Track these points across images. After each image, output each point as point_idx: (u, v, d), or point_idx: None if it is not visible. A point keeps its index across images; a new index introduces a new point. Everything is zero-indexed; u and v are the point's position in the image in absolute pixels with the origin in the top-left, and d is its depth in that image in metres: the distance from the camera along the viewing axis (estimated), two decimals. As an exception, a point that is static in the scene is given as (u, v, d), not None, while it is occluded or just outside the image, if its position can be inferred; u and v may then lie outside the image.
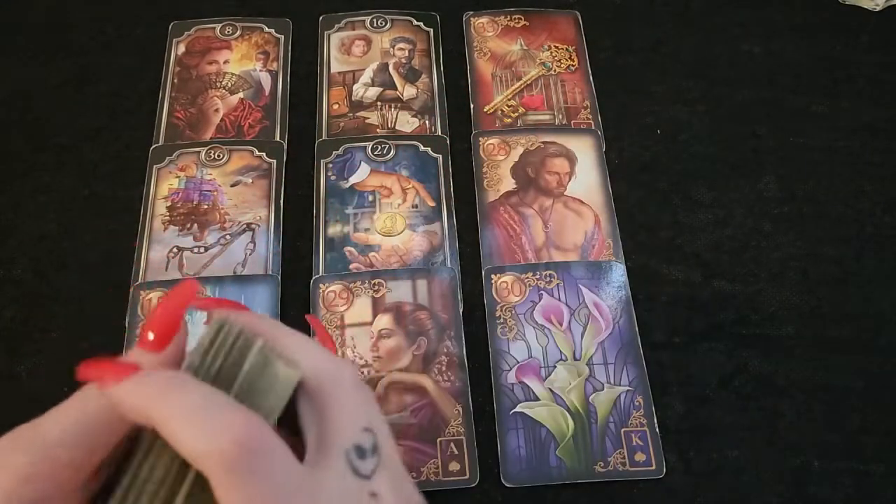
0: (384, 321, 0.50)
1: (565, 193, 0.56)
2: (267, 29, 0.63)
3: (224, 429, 0.21)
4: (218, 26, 0.63)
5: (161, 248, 0.53)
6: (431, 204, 0.55)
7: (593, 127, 0.59)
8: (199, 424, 0.21)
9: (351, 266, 0.53)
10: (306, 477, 0.22)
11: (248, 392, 0.24)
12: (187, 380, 0.23)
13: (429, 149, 0.58)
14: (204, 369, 0.24)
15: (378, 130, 0.58)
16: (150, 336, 0.25)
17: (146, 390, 0.22)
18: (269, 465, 0.21)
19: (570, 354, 0.50)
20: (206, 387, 0.22)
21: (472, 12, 0.65)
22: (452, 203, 0.55)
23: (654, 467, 0.46)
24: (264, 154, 0.57)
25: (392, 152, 0.57)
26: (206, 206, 0.55)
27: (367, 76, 0.61)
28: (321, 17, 0.64)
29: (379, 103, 0.60)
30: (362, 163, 0.57)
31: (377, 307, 0.51)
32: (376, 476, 0.24)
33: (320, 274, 0.52)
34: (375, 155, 0.57)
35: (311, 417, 0.24)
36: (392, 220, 0.55)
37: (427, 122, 0.59)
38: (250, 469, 0.21)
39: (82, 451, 0.23)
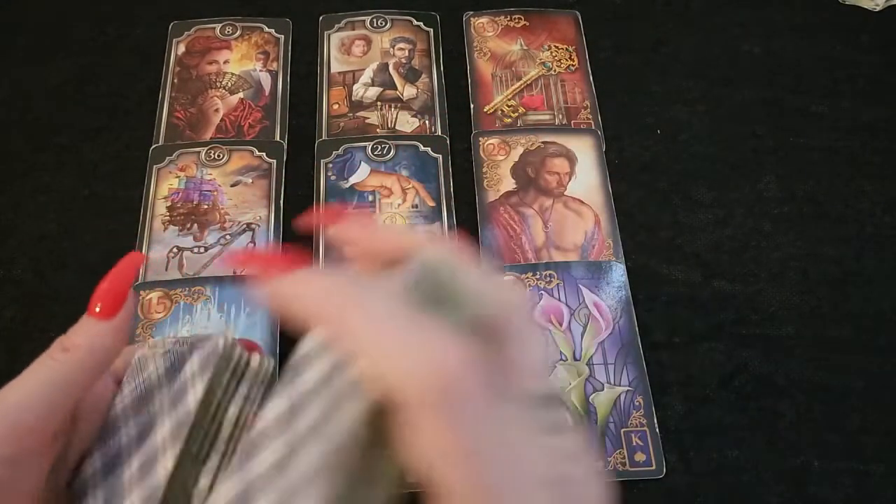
0: (384, 321, 0.50)
1: (565, 193, 0.56)
2: (267, 29, 0.63)
3: (434, 354, 0.18)
4: (218, 26, 0.63)
5: (161, 248, 0.53)
6: (431, 204, 0.55)
7: (593, 127, 0.59)
8: (406, 345, 0.18)
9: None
10: (499, 421, 0.19)
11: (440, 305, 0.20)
12: (380, 289, 0.19)
13: (429, 149, 0.58)
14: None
15: (378, 130, 0.58)
16: (97, 308, 0.26)
17: (328, 288, 0.19)
18: (471, 402, 0.18)
19: (570, 354, 0.50)
20: (398, 299, 0.19)
21: (472, 12, 0.65)
22: (452, 203, 0.55)
23: (654, 467, 0.46)
24: (264, 154, 0.57)
25: (392, 152, 0.57)
26: (206, 206, 0.55)
27: (367, 76, 0.61)
28: (321, 17, 0.64)
29: (379, 103, 0.60)
30: (362, 163, 0.57)
31: (377, 307, 0.51)
32: (558, 431, 0.20)
33: (320, 274, 0.52)
34: (375, 155, 0.57)
35: (493, 352, 0.20)
36: (392, 220, 0.54)
37: (427, 122, 0.59)
38: (455, 405, 0.17)
39: (42, 414, 0.24)
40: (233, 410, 0.24)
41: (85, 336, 0.25)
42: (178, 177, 0.56)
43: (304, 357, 0.20)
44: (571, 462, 0.20)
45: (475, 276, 0.21)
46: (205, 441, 0.24)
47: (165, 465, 0.23)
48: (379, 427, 0.19)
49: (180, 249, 0.53)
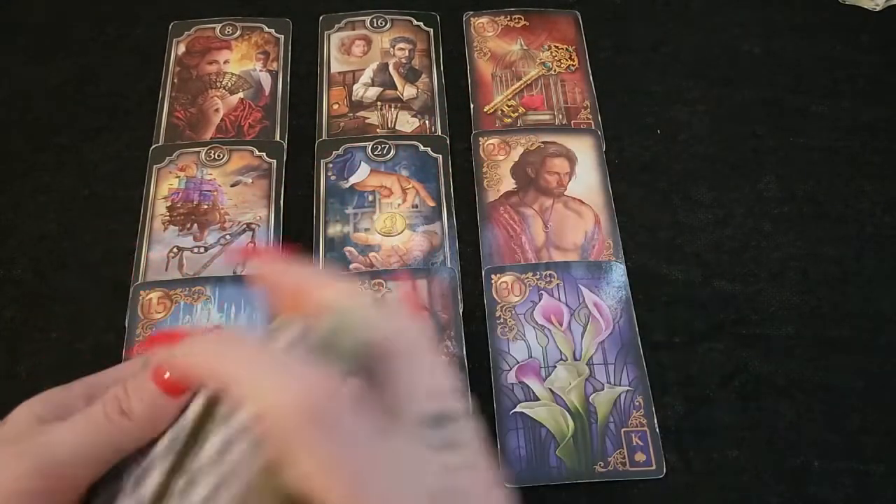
0: (384, 321, 0.50)
1: (565, 193, 0.56)
2: (267, 29, 0.63)
3: (298, 383, 0.20)
4: (218, 26, 0.63)
5: (161, 248, 0.53)
6: (431, 204, 0.55)
7: (593, 127, 0.59)
8: (273, 377, 0.20)
9: (351, 266, 0.53)
10: (377, 441, 0.21)
11: (321, 348, 0.22)
12: (257, 338, 0.22)
13: (429, 149, 0.58)
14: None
15: (378, 130, 0.58)
16: (166, 376, 0.23)
17: (211, 347, 0.22)
18: (341, 424, 0.20)
19: (570, 354, 0.50)
20: (274, 346, 0.22)
21: (472, 12, 0.65)
22: (452, 203, 0.55)
23: (654, 467, 0.46)
24: (264, 154, 0.57)
25: (392, 152, 0.57)
26: (206, 206, 0.55)
27: (367, 76, 0.61)
28: (321, 17, 0.64)
29: (379, 103, 0.60)
30: (362, 163, 0.57)
31: (377, 307, 0.51)
32: (450, 448, 0.22)
33: (320, 274, 0.52)
34: (375, 155, 0.57)
35: (385, 379, 0.23)
36: (392, 220, 0.54)
37: (427, 122, 0.59)
38: (324, 427, 0.19)
39: (86, 470, 0.23)
40: (221, 436, 0.24)
41: (148, 407, 0.23)
42: (178, 177, 0.56)
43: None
44: (463, 475, 0.21)
45: (368, 309, 0.23)
46: (195, 458, 0.23)
47: (153, 481, 0.23)
48: (274, 469, 0.20)
49: (180, 249, 0.53)
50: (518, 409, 0.48)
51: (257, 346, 0.22)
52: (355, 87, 0.61)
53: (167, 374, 0.23)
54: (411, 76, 0.61)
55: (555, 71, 0.62)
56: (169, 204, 0.55)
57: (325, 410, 0.20)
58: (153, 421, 0.23)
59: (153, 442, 0.24)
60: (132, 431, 0.23)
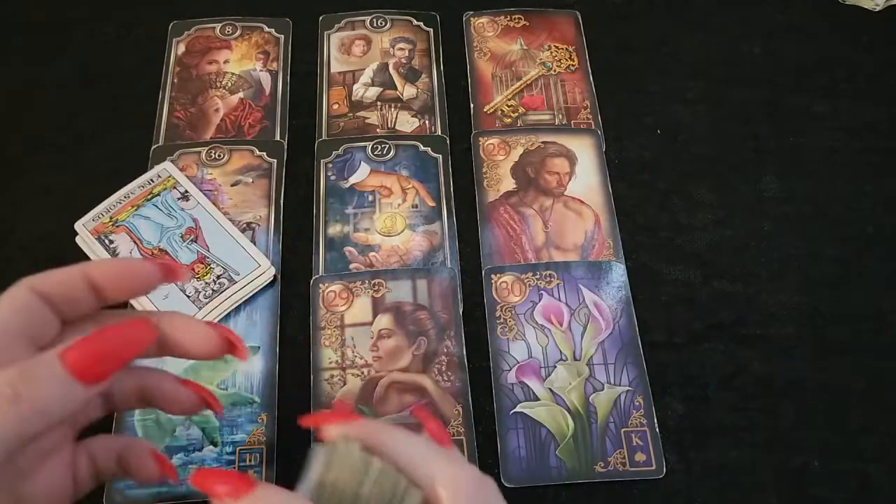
0: (384, 321, 0.50)
1: (565, 193, 0.56)
2: (267, 29, 0.63)
3: None
4: (218, 26, 0.63)
5: (161, 248, 0.53)
6: (431, 204, 0.55)
7: (593, 127, 0.59)
8: None
9: (351, 266, 0.53)
10: None
11: None
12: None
13: (429, 149, 0.58)
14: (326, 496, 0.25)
15: (378, 130, 0.58)
16: (77, 361, 0.21)
17: None
18: None
19: (570, 354, 0.50)
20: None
21: (472, 12, 0.65)
22: (452, 203, 0.55)
23: (654, 467, 0.46)
24: (264, 154, 0.57)
25: (392, 152, 0.57)
26: (206, 206, 0.55)
27: (367, 76, 0.61)
28: (321, 17, 0.64)
29: (379, 103, 0.60)
30: (362, 163, 0.57)
31: (377, 307, 0.51)
32: None
33: (320, 274, 0.52)
34: (375, 155, 0.57)
35: None
36: (392, 220, 0.55)
37: (427, 122, 0.59)
38: None
39: (19, 342, 0.23)
40: None
41: (44, 392, 0.20)
42: (178, 177, 0.56)
43: None
44: None
45: (430, 462, 0.26)
46: None
47: None
48: None
49: (180, 249, 0.53)
50: (518, 409, 0.48)
51: None
52: (355, 87, 0.61)
53: (76, 360, 0.21)
54: (411, 76, 0.61)
55: (555, 71, 0.62)
56: (169, 204, 0.55)
57: None
58: (46, 415, 0.20)
59: None
60: (22, 421, 0.20)
